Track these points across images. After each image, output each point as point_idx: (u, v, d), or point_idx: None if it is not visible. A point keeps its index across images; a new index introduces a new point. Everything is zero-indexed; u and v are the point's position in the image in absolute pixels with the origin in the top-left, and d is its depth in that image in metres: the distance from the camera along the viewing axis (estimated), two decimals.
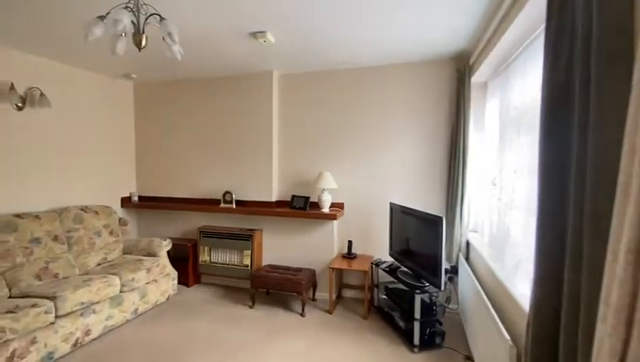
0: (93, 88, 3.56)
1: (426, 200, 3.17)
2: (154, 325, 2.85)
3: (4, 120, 2.80)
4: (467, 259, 2.88)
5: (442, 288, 2.39)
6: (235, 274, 3.58)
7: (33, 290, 2.45)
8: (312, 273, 3.30)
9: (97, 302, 2.59)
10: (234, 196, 3.58)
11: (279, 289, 3.12)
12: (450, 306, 2.93)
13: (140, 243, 3.43)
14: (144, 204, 3.95)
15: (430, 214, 2.54)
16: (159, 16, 1.76)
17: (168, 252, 3.49)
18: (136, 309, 2.94)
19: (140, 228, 4.16)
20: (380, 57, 3.06)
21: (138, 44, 1.78)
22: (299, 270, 3.30)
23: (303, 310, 3.04)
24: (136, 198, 4.02)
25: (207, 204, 3.73)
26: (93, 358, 2.36)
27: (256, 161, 3.60)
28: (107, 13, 1.67)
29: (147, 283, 3.06)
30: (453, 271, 2.93)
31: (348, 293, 3.48)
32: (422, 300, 2.50)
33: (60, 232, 2.95)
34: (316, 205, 3.37)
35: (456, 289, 2.97)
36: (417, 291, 2.51)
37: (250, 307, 3.20)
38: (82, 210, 3.21)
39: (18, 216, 2.70)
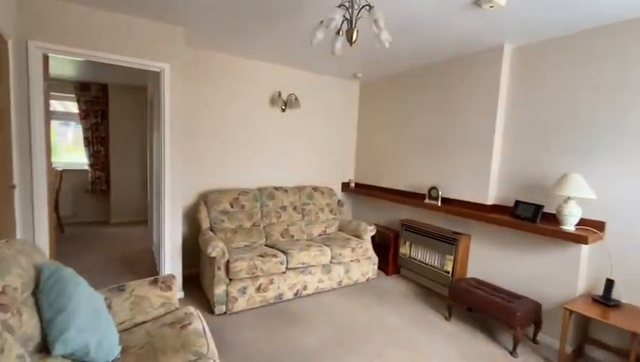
0: (329, 89, 4.28)
1: None
2: (352, 300, 3.13)
3: (274, 119, 3.89)
4: None
5: None
6: (433, 277, 3.31)
7: (277, 244, 3.30)
8: (535, 307, 2.49)
9: (313, 266, 3.14)
10: (440, 193, 3.28)
11: (484, 311, 2.58)
12: None
13: (350, 224, 3.86)
14: (359, 190, 4.39)
15: None
16: (369, 5, 1.78)
17: (373, 237, 3.72)
18: (341, 281, 3.33)
19: (353, 210, 4.70)
20: None
21: (350, 39, 1.89)
22: (515, 296, 2.59)
23: (514, 348, 2.37)
24: (353, 184, 4.54)
25: (412, 198, 3.63)
26: (304, 309, 2.89)
27: (470, 155, 3.10)
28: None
29: (351, 260, 3.40)
30: None
31: (596, 353, 2.38)
32: None
33: (298, 205, 3.80)
34: (552, 218, 2.48)
35: None
36: None
37: (446, 318, 2.85)
38: (314, 189, 3.98)
39: (276, 188, 3.71)
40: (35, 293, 1.32)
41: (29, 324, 1.20)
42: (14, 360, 0.99)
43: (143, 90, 5.62)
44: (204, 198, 3.31)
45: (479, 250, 3.08)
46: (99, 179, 5.68)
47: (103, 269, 3.59)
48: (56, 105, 5.58)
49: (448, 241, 3.17)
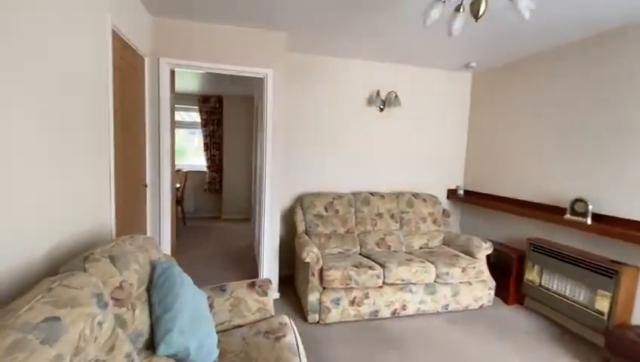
0: (435, 84, 3.81)
1: None
2: (461, 329, 2.64)
3: (371, 120, 3.66)
4: None
5: None
6: (577, 316, 2.54)
7: (373, 254, 3.05)
8: None
9: (414, 283, 2.77)
10: (590, 207, 2.49)
11: None
12: None
13: (458, 239, 3.32)
14: (468, 199, 3.78)
15: None
16: None
17: (488, 256, 3.11)
18: (447, 305, 2.86)
19: (461, 222, 4.08)
20: None
21: (476, 13, 1.52)
22: None
23: None
24: (461, 192, 3.94)
25: (545, 211, 2.88)
26: (404, 331, 2.56)
27: (637, 156, 2.26)
28: None
29: (460, 282, 2.89)
30: None
31: None
32: None
33: (396, 212, 3.47)
34: None
35: None
36: None
37: None
38: (413, 195, 3.59)
39: (371, 193, 3.46)
40: (149, 289, 1.40)
41: (140, 320, 1.25)
42: (122, 359, 1.01)
43: (251, 100, 6.13)
44: (300, 201, 3.30)
45: None
46: (214, 179, 6.44)
47: (212, 261, 3.96)
48: (184, 115, 6.60)
49: (603, 272, 2.38)
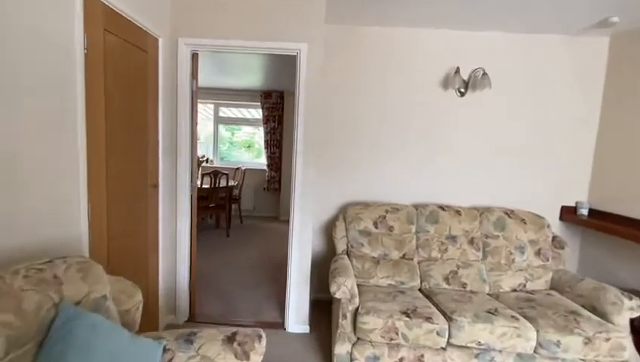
0: (544, 56, 2.67)
1: None
2: None
3: (446, 108, 2.73)
4: None
5: None
6: None
7: (437, 294, 2.17)
8: None
9: (499, 351, 1.83)
10: None
11: None
12: None
13: (578, 285, 2.18)
14: (596, 223, 2.54)
15: None
16: None
17: (632, 321, 1.94)
18: None
19: (582, 258, 2.81)
20: None
21: None
22: None
23: None
24: (584, 211, 2.70)
25: None
26: None
27: None
28: None
29: (582, 360, 1.82)
30: None
31: None
32: None
33: (478, 236, 2.49)
34: None
35: None
36: None
37: None
38: (506, 213, 2.55)
39: (441, 207, 2.56)
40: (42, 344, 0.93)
41: None
42: None
43: None
44: (344, 212, 2.62)
45: None
46: (273, 178, 6.17)
47: (250, 269, 3.61)
48: (254, 113, 6.45)
49: None
